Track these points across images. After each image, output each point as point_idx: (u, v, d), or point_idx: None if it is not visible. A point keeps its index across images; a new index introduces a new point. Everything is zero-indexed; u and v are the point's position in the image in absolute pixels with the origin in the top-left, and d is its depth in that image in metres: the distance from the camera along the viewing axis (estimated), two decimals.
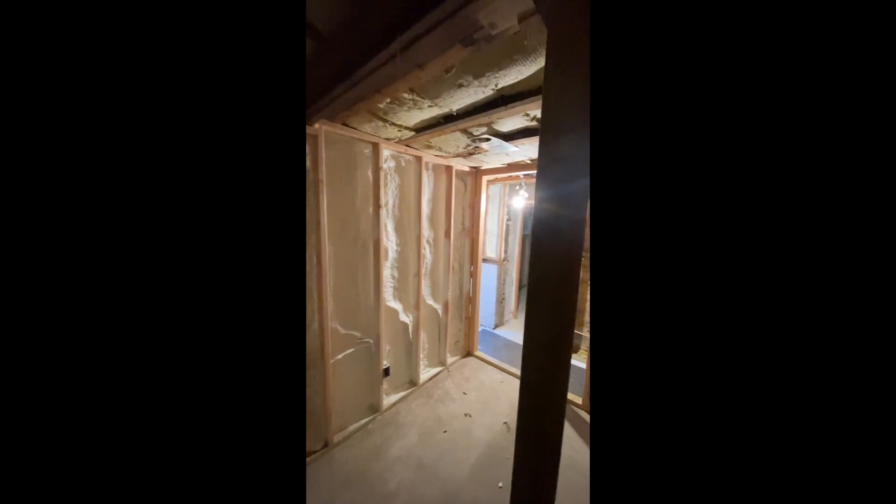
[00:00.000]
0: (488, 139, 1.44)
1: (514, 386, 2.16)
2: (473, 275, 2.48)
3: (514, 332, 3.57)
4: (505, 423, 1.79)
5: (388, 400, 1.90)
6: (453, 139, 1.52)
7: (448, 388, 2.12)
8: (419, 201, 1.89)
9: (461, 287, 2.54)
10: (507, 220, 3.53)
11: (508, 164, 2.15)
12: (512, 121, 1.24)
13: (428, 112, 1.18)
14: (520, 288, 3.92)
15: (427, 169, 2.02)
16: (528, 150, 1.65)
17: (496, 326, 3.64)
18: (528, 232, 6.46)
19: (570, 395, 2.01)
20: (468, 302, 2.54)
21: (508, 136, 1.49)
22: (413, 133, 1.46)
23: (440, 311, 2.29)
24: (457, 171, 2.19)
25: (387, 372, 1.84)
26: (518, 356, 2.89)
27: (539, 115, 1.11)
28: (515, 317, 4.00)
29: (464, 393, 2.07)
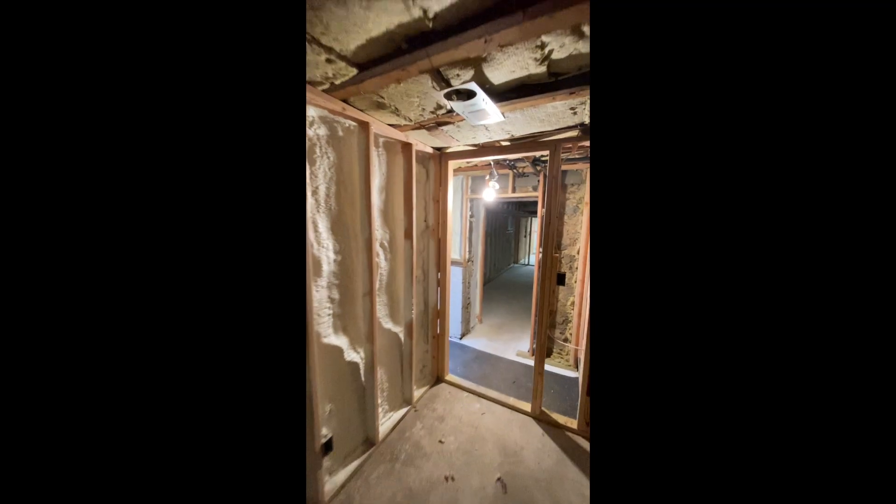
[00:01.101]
0: (471, 93, 0.97)
1: (498, 417, 1.78)
2: (441, 283, 2.01)
3: (484, 339, 3.23)
4: (499, 479, 1.37)
5: (333, 482, 1.30)
6: (419, 91, 1.01)
7: (418, 438, 1.62)
8: (368, 190, 1.32)
9: (426, 300, 2.04)
10: (471, 216, 3.15)
11: (482, 146, 1.73)
12: (514, 60, 0.80)
13: (388, 14, 0.64)
14: (484, 284, 3.61)
15: (377, 145, 1.46)
16: (518, 121, 1.24)
17: (463, 336, 3.25)
18: (491, 229, 6.34)
19: (560, 419, 1.71)
20: (436, 317, 2.06)
21: (499, 95, 1.05)
22: (355, 71, 0.90)
23: (402, 336, 1.76)
24: (418, 152, 1.68)
25: (328, 446, 1.24)
26: (492, 370, 2.54)
27: (572, 54, 0.65)
28: (481, 321, 3.68)
29: (440, 441, 1.60)
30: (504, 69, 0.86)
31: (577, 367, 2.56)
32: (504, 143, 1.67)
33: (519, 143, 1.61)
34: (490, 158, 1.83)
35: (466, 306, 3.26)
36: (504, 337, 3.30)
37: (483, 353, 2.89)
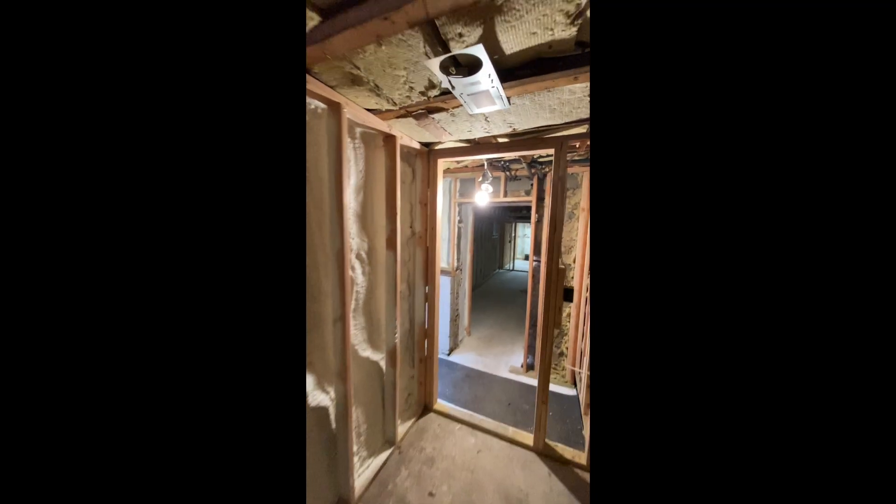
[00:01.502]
0: (474, 65, 0.75)
1: (496, 455, 1.54)
2: (430, 297, 1.75)
3: (473, 354, 2.99)
4: None
5: None
6: (406, 59, 0.77)
7: (404, 491, 1.33)
8: (340, 189, 1.05)
9: (412, 318, 1.78)
10: (459, 221, 2.93)
11: (476, 142, 1.52)
12: (539, 13, 0.58)
13: None
14: (472, 290, 3.39)
15: (353, 136, 1.20)
16: (525, 111, 1.04)
17: (451, 351, 3.00)
18: (478, 235, 6.16)
19: (567, 453, 1.50)
20: (423, 337, 1.80)
21: (508, 73, 0.83)
22: (318, 19, 0.64)
23: (383, 364, 1.48)
24: (402, 146, 1.43)
25: None
26: (485, 391, 2.30)
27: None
28: (469, 333, 3.45)
29: (430, 494, 1.33)
30: (522, 29, 0.64)
31: (574, 383, 2.39)
32: (502, 140, 1.47)
33: (520, 140, 1.42)
34: (485, 157, 1.62)
35: (455, 319, 3.02)
36: (494, 350, 3.08)
37: (474, 371, 2.66)
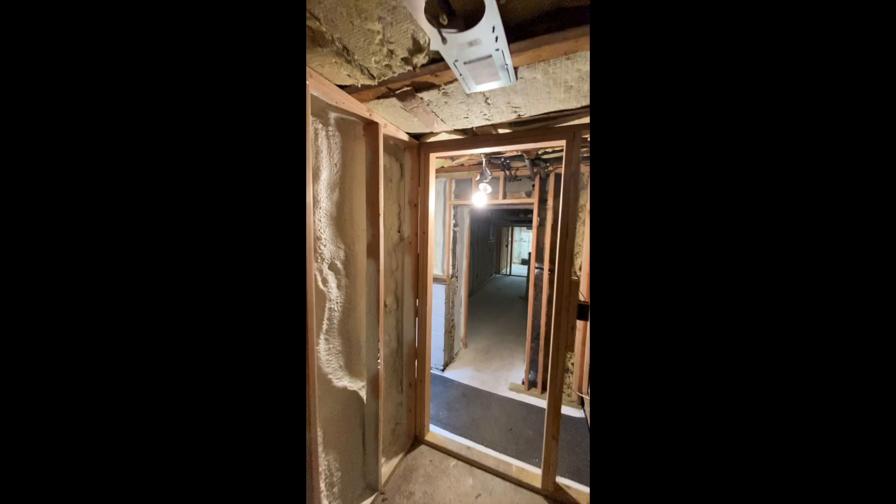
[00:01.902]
0: (477, 10, 0.54)
1: (500, 500, 1.30)
2: (420, 312, 1.53)
3: (470, 369, 2.76)
4: None
5: None
6: (380, 3, 0.56)
7: None
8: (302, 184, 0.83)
9: (400, 335, 1.55)
10: (455, 225, 2.72)
11: (474, 133, 1.31)
12: None
13: None
14: (469, 296, 3.17)
15: (326, 122, 0.99)
16: (535, 88, 0.83)
17: (446, 366, 2.76)
18: (475, 239, 5.95)
19: (583, 496, 1.28)
20: (413, 357, 1.57)
21: (518, 30, 0.63)
22: None
23: (364, 393, 1.25)
24: (387, 137, 1.22)
25: None
26: (483, 413, 2.06)
27: None
28: (466, 345, 3.22)
29: None
30: None
31: (581, 404, 2.17)
32: (503, 132, 1.26)
33: (525, 131, 1.21)
34: (484, 151, 1.42)
35: (450, 331, 2.79)
36: (493, 364, 2.86)
37: (470, 389, 2.42)
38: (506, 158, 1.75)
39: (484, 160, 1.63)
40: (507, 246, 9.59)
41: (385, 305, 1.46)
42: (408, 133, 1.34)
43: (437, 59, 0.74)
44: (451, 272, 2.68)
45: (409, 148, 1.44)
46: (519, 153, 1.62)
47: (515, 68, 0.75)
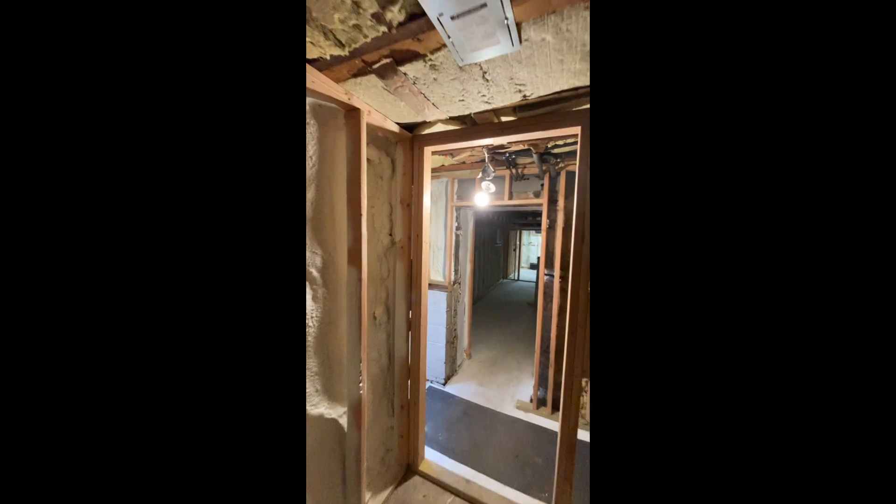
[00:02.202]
0: None
1: None
2: (414, 324, 1.36)
3: (473, 384, 2.56)
4: None
5: None
6: None
7: None
8: None
9: (392, 351, 1.38)
10: (457, 228, 2.55)
11: (473, 120, 1.15)
12: None
13: None
14: (473, 302, 2.97)
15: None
16: (545, 58, 0.66)
17: (448, 380, 2.57)
18: (480, 243, 5.75)
19: None
20: (406, 376, 1.40)
21: None
22: None
23: (344, 422, 1.09)
24: (373, 127, 1.07)
25: None
26: (487, 436, 1.87)
27: None
28: (470, 356, 3.02)
29: None
30: None
31: None
32: (507, 120, 1.09)
33: (532, 117, 1.04)
34: (485, 143, 1.25)
35: (452, 341, 2.60)
36: (499, 378, 2.65)
37: (473, 407, 2.22)
38: (511, 154, 1.57)
39: (486, 156, 1.46)
40: (514, 250, 9.34)
41: (374, 318, 1.30)
42: (398, 124, 1.19)
43: (416, 15, 0.58)
44: (453, 278, 2.51)
45: (401, 141, 1.29)
46: (526, 146, 1.44)
47: (518, 25, 0.58)
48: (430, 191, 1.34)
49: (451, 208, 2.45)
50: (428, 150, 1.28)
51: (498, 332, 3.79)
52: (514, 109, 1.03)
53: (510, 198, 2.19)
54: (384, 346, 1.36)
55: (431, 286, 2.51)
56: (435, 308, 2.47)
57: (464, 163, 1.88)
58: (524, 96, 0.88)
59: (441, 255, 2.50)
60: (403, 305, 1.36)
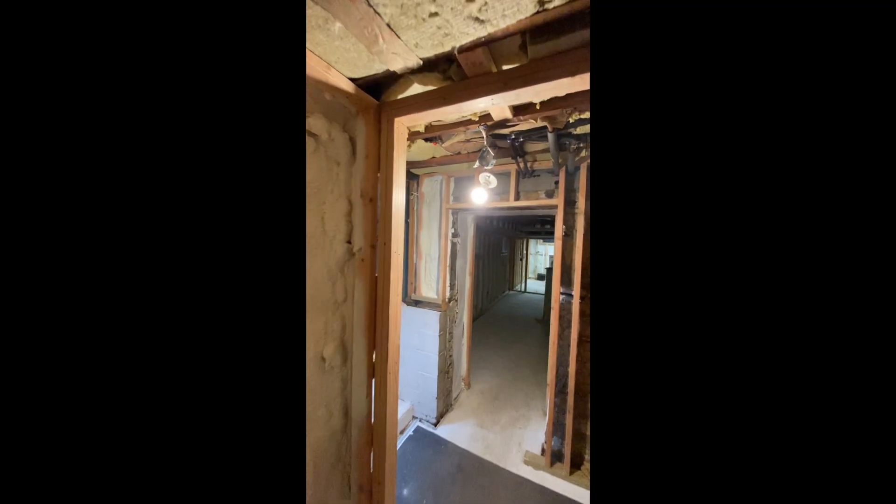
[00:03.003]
0: None
1: None
2: (379, 369, 0.95)
3: (472, 423, 2.11)
4: None
5: None
6: None
7: None
8: None
9: (347, 407, 0.98)
10: (454, 234, 2.16)
11: (462, 73, 0.77)
12: None
13: None
14: (473, 319, 2.52)
15: None
16: None
17: (440, 419, 2.13)
18: (483, 251, 5.32)
19: None
20: (368, 442, 0.98)
21: None
22: None
23: None
24: (312, 81, 0.70)
25: None
26: (497, 499, 1.41)
27: None
28: (468, 385, 2.57)
29: None
30: None
31: None
32: (510, 68, 0.71)
33: (549, 57, 0.65)
34: (480, 105, 0.87)
35: (446, 370, 2.17)
36: (503, 416, 2.18)
37: (470, 459, 1.77)
38: (517, 137, 1.19)
39: (485, 136, 1.08)
40: (521, 260, 8.88)
41: (322, 360, 0.91)
42: (353, 81, 0.82)
43: None
44: (448, 294, 2.10)
45: (362, 111, 0.92)
46: (539, 122, 1.06)
47: None
48: (403, 180, 0.96)
49: (447, 212, 2.07)
50: (401, 122, 0.91)
51: (502, 355, 3.32)
52: (523, 46, 0.65)
53: (516, 198, 1.79)
54: (337, 400, 0.96)
55: (421, 304, 2.11)
56: (425, 331, 2.06)
57: (459, 153, 1.51)
58: (541, 5, 0.50)
59: (434, 266, 2.11)
60: (365, 342, 0.96)
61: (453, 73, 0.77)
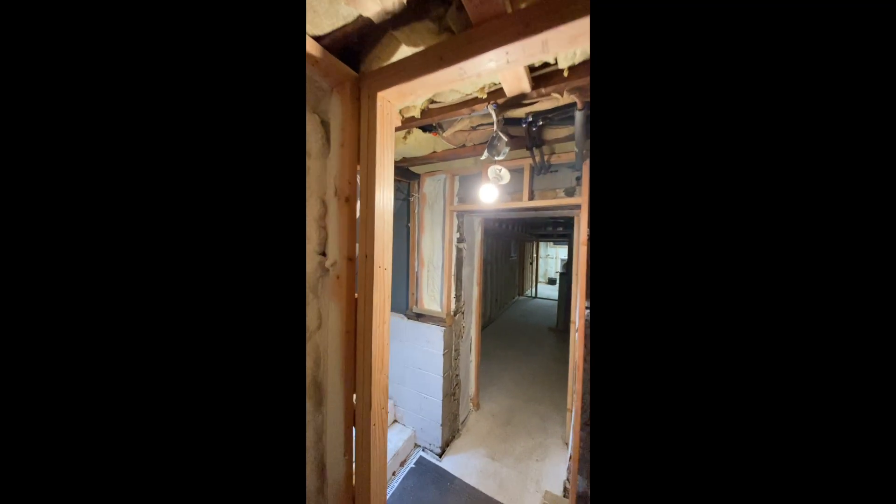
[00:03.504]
0: None
1: None
2: (361, 415, 0.73)
3: (482, 453, 1.86)
4: None
5: None
6: None
7: None
8: None
9: (322, 465, 0.77)
10: (459, 240, 1.94)
11: (467, 16, 0.55)
12: None
13: None
14: (481, 327, 2.26)
15: None
16: None
17: (445, 449, 1.88)
18: (491, 257, 5.05)
19: None
20: None
21: None
22: None
23: None
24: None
25: None
26: None
27: None
28: (477, 406, 2.32)
29: None
30: None
31: None
32: (529, 4, 0.49)
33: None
34: (489, 64, 0.66)
35: (451, 393, 1.93)
36: (517, 445, 1.92)
37: (481, 500, 1.52)
38: (535, 119, 0.96)
39: (495, 118, 0.86)
40: (531, 263, 8.56)
41: None
42: (319, 41, 0.62)
43: None
44: (453, 307, 1.87)
45: (337, 87, 0.72)
46: (566, 98, 0.83)
47: None
48: (390, 173, 0.75)
49: (451, 214, 1.86)
50: (385, 97, 0.70)
51: (514, 370, 3.06)
52: None
53: (531, 197, 1.56)
54: (310, 455, 0.75)
55: (423, 318, 1.89)
56: (428, 349, 1.83)
57: (464, 146, 1.29)
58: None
59: (438, 275, 1.89)
60: (342, 383, 0.74)
61: (452, 21, 0.56)
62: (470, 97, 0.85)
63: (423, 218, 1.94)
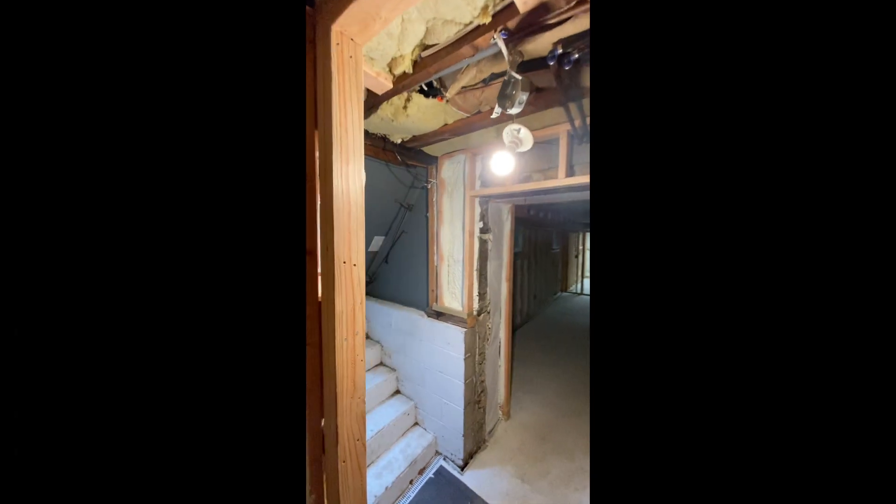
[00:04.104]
0: None
1: None
2: (328, 455, 0.58)
3: (510, 472, 1.65)
4: None
5: None
6: None
7: None
8: None
9: None
10: (482, 230, 1.70)
11: None
12: None
13: None
14: (513, 331, 2.00)
15: None
16: None
17: (469, 460, 1.70)
18: (529, 249, 4.63)
19: None
20: None
21: None
22: None
23: None
24: None
25: None
26: None
27: None
28: (507, 416, 2.09)
29: None
30: None
31: None
32: None
33: None
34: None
35: (476, 401, 1.73)
36: (553, 468, 1.65)
37: None
38: (566, 50, 0.67)
39: (505, 51, 0.60)
40: (577, 257, 7.76)
41: None
42: None
43: None
44: (475, 306, 1.65)
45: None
46: None
47: None
48: (358, 136, 0.57)
49: (471, 200, 1.62)
50: (341, 30, 0.51)
51: (552, 376, 2.72)
52: None
53: (569, 174, 1.24)
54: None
55: (443, 317, 1.71)
56: (448, 351, 1.66)
57: (479, 112, 1.05)
58: None
59: (458, 270, 1.69)
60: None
61: None
62: (470, 27, 0.62)
63: (443, 207, 1.74)
